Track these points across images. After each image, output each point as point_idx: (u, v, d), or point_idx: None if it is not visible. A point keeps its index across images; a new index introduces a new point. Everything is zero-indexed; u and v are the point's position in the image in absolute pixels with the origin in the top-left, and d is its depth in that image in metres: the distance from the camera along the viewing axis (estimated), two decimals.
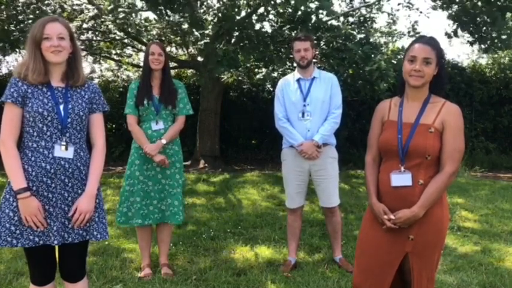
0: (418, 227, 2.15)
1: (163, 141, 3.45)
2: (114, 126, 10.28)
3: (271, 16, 8.20)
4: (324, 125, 3.58)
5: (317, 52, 3.72)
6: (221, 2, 7.53)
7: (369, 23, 9.53)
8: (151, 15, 9.25)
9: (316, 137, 3.54)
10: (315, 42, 3.68)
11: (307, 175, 3.69)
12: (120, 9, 7.11)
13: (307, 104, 3.58)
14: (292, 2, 5.93)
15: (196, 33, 7.50)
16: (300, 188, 3.71)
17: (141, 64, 3.98)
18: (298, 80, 3.68)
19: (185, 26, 7.60)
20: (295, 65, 11.44)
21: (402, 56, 7.47)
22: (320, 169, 3.61)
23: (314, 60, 3.82)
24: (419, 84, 2.17)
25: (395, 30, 9.09)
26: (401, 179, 2.17)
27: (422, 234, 2.16)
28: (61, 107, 2.18)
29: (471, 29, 8.28)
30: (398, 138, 2.18)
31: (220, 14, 7.00)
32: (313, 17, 7.03)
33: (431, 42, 2.17)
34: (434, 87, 2.24)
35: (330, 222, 3.80)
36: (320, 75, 3.69)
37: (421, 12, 9.64)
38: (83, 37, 8.61)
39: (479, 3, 7.79)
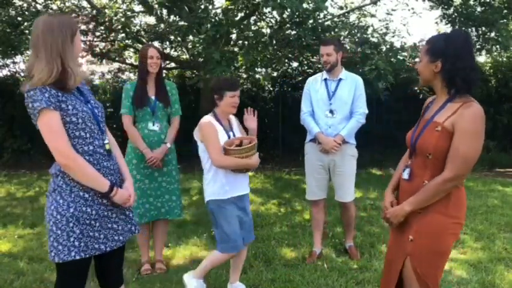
0: (416, 228, 2.11)
1: (168, 145, 3.59)
2: (114, 126, 10.28)
3: (269, 16, 8.20)
4: (350, 122, 3.77)
5: (343, 54, 3.89)
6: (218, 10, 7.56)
7: (367, 19, 9.53)
8: (151, 18, 9.27)
9: (343, 131, 3.73)
10: (339, 45, 3.84)
11: (327, 169, 3.86)
12: (118, 16, 7.14)
13: (332, 103, 3.77)
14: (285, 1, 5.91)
15: (191, 37, 7.53)
16: (319, 181, 3.89)
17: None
18: (325, 80, 3.86)
19: (182, 22, 7.60)
20: (295, 65, 11.26)
21: (401, 56, 7.45)
22: (338, 166, 3.80)
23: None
24: (421, 83, 2.24)
25: (392, 30, 9.08)
26: (405, 172, 2.22)
27: (420, 236, 2.10)
28: (89, 105, 2.09)
29: (470, 29, 8.29)
30: (413, 132, 2.22)
31: (217, 18, 7.01)
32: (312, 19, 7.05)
33: (428, 39, 2.18)
34: (449, 84, 2.09)
35: (344, 214, 4.06)
36: (346, 77, 3.85)
37: (420, 13, 9.65)
38: (83, 38, 8.62)
39: (478, 3, 7.81)
